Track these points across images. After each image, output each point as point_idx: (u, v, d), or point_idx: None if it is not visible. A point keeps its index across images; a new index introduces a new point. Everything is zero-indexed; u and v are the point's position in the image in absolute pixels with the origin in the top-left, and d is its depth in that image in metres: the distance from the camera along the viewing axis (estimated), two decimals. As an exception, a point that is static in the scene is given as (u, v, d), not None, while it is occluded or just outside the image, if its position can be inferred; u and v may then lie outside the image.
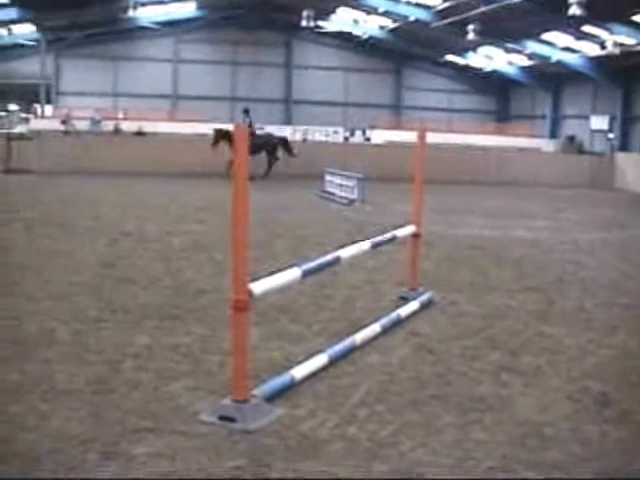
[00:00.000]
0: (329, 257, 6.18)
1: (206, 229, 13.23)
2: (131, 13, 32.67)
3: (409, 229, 8.00)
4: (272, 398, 5.07)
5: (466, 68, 50.24)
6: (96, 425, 4.59)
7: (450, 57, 48.96)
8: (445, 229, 14.27)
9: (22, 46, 43.51)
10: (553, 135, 46.45)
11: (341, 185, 20.18)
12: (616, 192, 27.50)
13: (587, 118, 43.90)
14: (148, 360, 5.92)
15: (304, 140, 36.26)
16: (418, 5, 38.70)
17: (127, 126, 39.68)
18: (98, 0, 33.39)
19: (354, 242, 7.19)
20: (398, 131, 40.03)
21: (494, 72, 49.00)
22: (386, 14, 41.57)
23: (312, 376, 5.55)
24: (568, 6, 30.22)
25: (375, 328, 6.71)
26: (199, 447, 4.34)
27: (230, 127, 24.95)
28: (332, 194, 20.21)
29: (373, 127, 42.95)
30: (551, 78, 45.59)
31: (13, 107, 48.36)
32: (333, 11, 42.38)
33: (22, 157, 25.28)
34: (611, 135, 41.26)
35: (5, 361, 5.72)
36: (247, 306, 4.74)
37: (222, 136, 23.82)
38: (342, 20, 44.66)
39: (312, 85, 49.02)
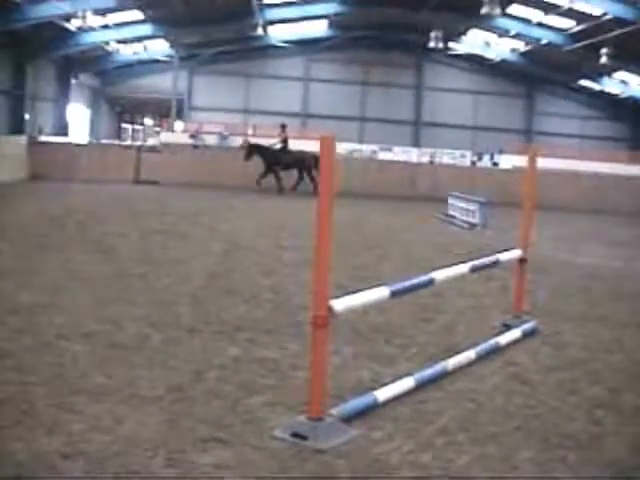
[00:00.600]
0: (422, 279, 6.03)
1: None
2: (260, 31, 33.39)
3: (514, 254, 7.73)
4: (350, 418, 4.97)
5: (600, 94, 48.66)
6: (168, 432, 4.62)
7: (584, 82, 47.58)
8: (562, 256, 13.77)
9: (157, 62, 45.31)
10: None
11: (463, 209, 19.88)
12: None
13: None
14: (234, 372, 5.94)
15: (431, 162, 36.02)
16: (551, 28, 37.84)
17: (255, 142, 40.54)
18: (228, 18, 34.27)
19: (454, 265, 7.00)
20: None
21: (629, 98, 47.20)
22: (518, 36, 40.83)
23: (396, 399, 5.42)
24: None
25: (470, 355, 6.50)
26: (265, 462, 4.29)
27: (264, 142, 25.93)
28: (454, 217, 19.93)
29: (501, 152, 42.17)
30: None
31: (148, 121, 50.33)
32: (464, 33, 42.05)
33: (151, 169, 26.26)
34: None
35: (94, 365, 5.87)
36: (326, 322, 4.68)
37: (254, 150, 24.89)
38: (473, 42, 44.20)
39: (441, 107, 48.72)
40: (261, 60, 48.57)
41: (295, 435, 4.66)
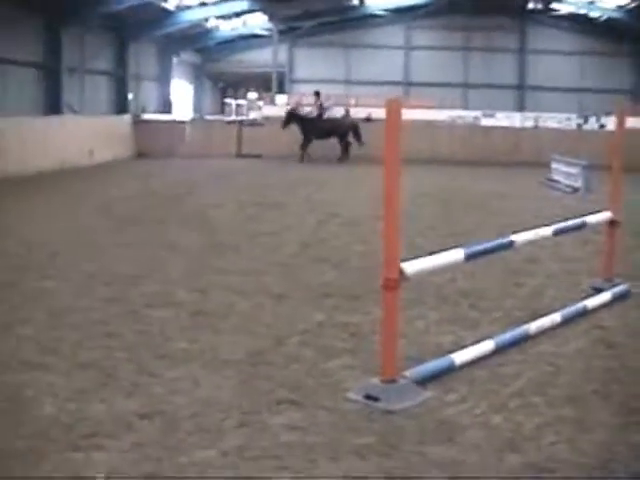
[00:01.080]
0: (501, 241, 5.99)
1: (417, 214, 13.11)
2: (356, 1, 33.13)
3: (604, 216, 7.54)
4: (425, 381, 5.02)
5: None
6: (243, 394, 4.79)
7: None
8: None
9: (257, 36, 45.65)
10: None
11: (566, 172, 19.43)
12: None
13: None
14: (315, 337, 6.07)
15: (535, 127, 35.07)
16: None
17: (355, 112, 40.52)
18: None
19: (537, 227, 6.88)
20: (638, 117, 37.55)
21: None
22: (624, -8, 39.02)
23: (474, 362, 5.42)
24: None
25: (555, 318, 6.40)
26: (335, 423, 4.40)
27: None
28: (557, 182, 19.52)
29: (608, 114, 40.61)
30: None
31: (252, 95, 50.87)
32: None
33: (253, 142, 26.70)
34: None
35: (179, 331, 6.11)
36: (397, 285, 4.72)
37: (292, 118, 24.89)
38: (577, 1, 42.52)
39: (546, 71, 47.14)
40: (361, 30, 48.24)
41: (368, 397, 4.74)
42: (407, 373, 4.96)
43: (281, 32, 43.77)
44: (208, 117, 36.59)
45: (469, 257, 5.40)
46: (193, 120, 31.65)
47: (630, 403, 4.79)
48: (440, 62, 48.68)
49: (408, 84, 49.56)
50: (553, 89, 46.61)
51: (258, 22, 42.63)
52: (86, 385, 4.92)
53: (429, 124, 31.97)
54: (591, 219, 7.36)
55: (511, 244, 5.96)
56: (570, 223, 7.12)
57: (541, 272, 8.71)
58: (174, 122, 29.58)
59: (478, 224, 12.27)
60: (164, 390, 4.84)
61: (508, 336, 5.88)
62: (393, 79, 48.86)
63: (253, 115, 34.31)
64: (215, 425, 4.30)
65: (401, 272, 4.72)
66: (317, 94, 26.10)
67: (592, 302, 6.99)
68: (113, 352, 5.60)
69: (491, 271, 8.55)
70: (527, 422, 4.45)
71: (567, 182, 18.87)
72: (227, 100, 42.36)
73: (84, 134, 23.38)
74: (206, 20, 38.97)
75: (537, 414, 4.57)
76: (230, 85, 55.01)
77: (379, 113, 39.76)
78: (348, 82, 49.55)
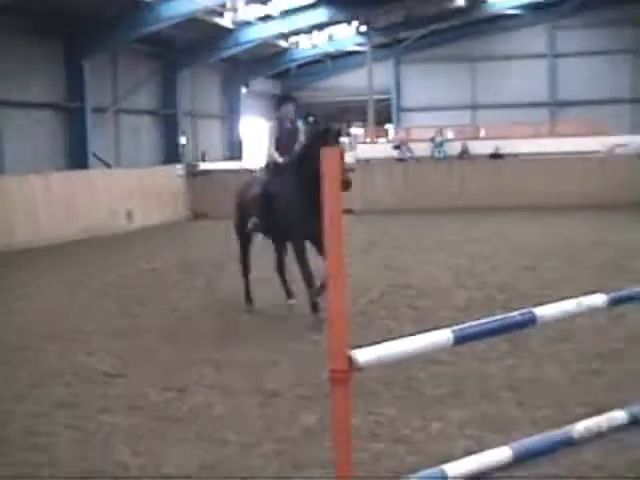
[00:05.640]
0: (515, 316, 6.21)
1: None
2: (460, 2, 33.48)
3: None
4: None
5: None
6: None
7: None
8: None
9: (351, 53, 46.48)
10: None
11: None
12: None
13: None
14: (295, 446, 6.39)
15: None
16: None
17: (482, 147, 40.57)
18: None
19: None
20: None
21: None
22: None
23: (481, 476, 5.62)
24: None
25: (617, 416, 6.50)
26: None
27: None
28: None
29: None
30: None
31: (355, 130, 51.53)
32: None
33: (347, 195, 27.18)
34: None
35: (127, 441, 6.60)
36: (347, 377, 5.02)
37: None
38: None
39: None
40: (489, 37, 48.30)
41: None
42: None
43: (381, 46, 44.62)
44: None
45: (459, 341, 5.60)
46: (267, 167, 32.24)
47: None
48: (598, 71, 48.01)
49: (556, 104, 49.31)
50: None
51: (348, 35, 43.46)
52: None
53: (579, 157, 31.75)
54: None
55: (532, 321, 6.11)
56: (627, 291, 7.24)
57: (637, 355, 8.76)
58: (242, 171, 30.35)
59: (577, 288, 12.28)
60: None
61: (537, 440, 6.03)
62: (535, 99, 48.71)
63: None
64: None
65: (351, 362, 5.02)
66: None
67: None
68: (37, 469, 6.10)
69: (567, 355, 8.71)
70: None
71: None
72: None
73: (119, 192, 24.44)
74: (280, 37, 39.81)
75: None
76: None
77: (515, 146, 40.04)
78: (475, 107, 49.81)
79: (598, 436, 6.25)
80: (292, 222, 10.71)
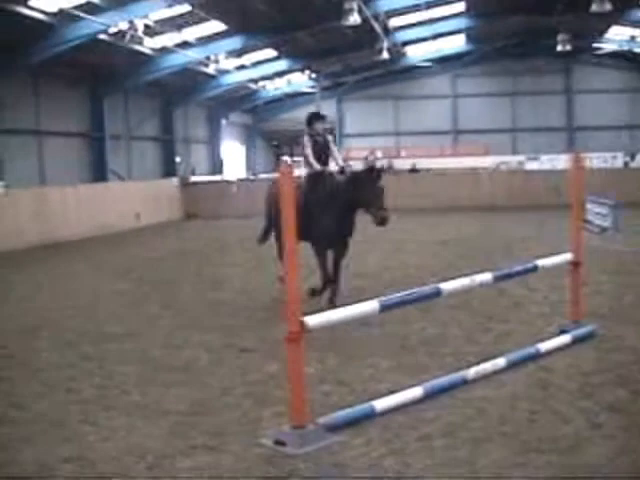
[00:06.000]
0: (423, 289, 6.26)
1: (424, 261, 13.42)
2: (385, 55, 33.72)
3: (563, 257, 7.70)
4: (339, 427, 5.25)
5: None
6: (166, 441, 5.15)
7: None
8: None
9: (303, 94, 46.55)
10: None
11: (597, 212, 19.28)
12: None
13: None
14: (262, 387, 6.37)
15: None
16: None
17: (403, 163, 41.16)
18: (359, 46, 34.87)
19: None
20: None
21: None
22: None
23: (400, 408, 5.63)
24: None
25: (498, 362, 6.57)
26: (235, 466, 4.76)
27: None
28: (589, 222, 19.38)
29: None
30: None
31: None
32: (606, 31, 39.90)
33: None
34: None
35: (137, 385, 6.58)
36: (299, 337, 5.03)
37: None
38: (619, 39, 42.08)
39: (593, 110, 46.60)
40: (407, 82, 48.67)
41: (277, 442, 5.04)
42: (321, 420, 5.23)
43: (327, 88, 44.70)
44: (263, 175, 37.04)
45: (384, 309, 5.65)
46: (240, 180, 32.23)
47: (531, 444, 4.93)
48: (488, 108, 48.75)
49: (457, 132, 49.81)
50: (602, 128, 46.07)
51: (302, 80, 43.57)
52: (29, 434, 5.37)
53: (472, 171, 32.20)
54: (550, 260, 7.54)
55: (437, 293, 6.17)
56: (518, 267, 7.34)
57: (516, 317, 8.85)
58: (221, 182, 30.32)
59: (471, 267, 12.39)
60: (97, 438, 5.28)
61: (441, 382, 6.09)
62: (442, 128, 49.19)
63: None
64: (126, 468, 4.73)
65: (302, 325, 5.03)
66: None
67: (546, 345, 7.11)
68: (68, 405, 6.07)
69: (464, 317, 8.78)
70: (416, 463, 4.66)
71: (597, 222, 18.72)
72: (284, 158, 43.14)
73: (130, 199, 24.28)
74: (251, 82, 40.01)
75: (430, 457, 4.78)
76: (285, 143, 56.02)
77: (427, 163, 40.46)
78: (398, 134, 50.06)
79: (484, 377, 6.35)
80: (324, 230, 9.58)
